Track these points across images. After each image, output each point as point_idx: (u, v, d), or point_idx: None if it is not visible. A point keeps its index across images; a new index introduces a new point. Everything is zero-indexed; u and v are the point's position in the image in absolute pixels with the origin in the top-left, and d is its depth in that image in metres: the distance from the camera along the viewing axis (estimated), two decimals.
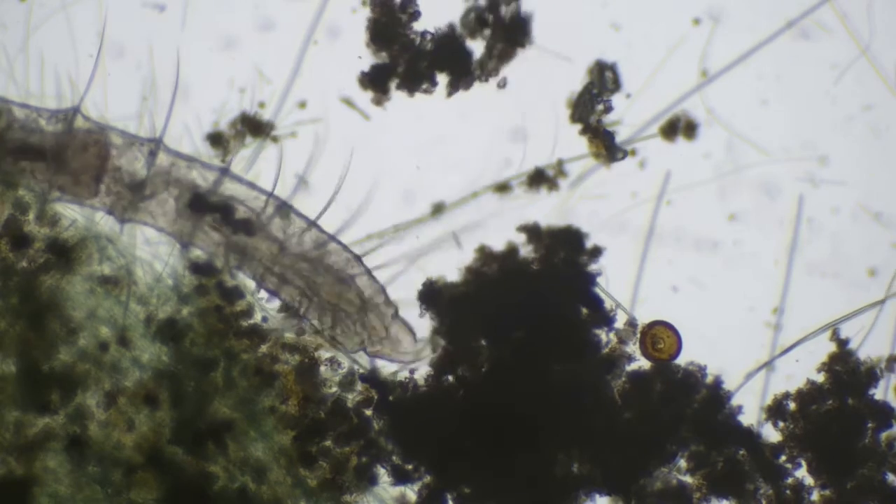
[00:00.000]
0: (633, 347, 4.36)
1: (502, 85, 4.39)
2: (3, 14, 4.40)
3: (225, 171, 4.33)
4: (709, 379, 4.35)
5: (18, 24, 4.38)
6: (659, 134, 4.41)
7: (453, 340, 4.34)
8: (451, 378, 4.34)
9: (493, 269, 4.35)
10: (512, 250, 4.36)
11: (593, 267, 4.34)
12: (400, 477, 4.36)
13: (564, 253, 4.34)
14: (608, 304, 4.34)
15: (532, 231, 4.36)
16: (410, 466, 4.35)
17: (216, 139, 4.35)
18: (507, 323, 4.31)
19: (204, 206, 4.29)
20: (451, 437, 4.31)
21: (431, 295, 4.35)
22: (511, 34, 4.37)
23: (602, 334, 4.34)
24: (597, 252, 4.34)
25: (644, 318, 4.37)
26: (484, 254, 4.35)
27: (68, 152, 4.31)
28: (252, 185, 4.35)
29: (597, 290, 4.33)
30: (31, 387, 4.27)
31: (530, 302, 4.32)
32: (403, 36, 4.38)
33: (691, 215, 4.43)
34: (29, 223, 4.31)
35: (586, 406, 4.31)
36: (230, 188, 4.33)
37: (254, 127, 4.35)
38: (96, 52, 4.32)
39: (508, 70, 4.40)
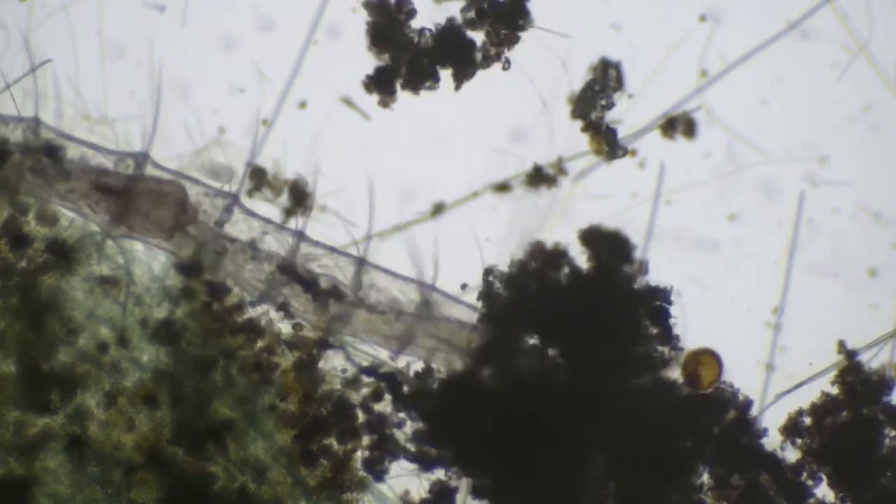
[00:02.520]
0: (675, 372, 4.33)
1: (506, 67, 4.37)
2: (3, 14, 4.40)
3: (301, 236, 4.34)
4: (741, 398, 4.32)
5: (18, 24, 4.38)
6: (657, 129, 4.41)
7: (501, 332, 4.30)
8: (487, 370, 4.30)
9: (540, 265, 4.30)
10: (561, 252, 4.32)
11: (667, 285, 4.31)
12: (424, 463, 4.33)
13: (612, 260, 4.30)
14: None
15: (589, 237, 4.32)
16: (434, 451, 4.32)
17: (257, 174, 4.36)
18: (568, 326, 4.26)
19: (293, 275, 4.31)
20: (479, 429, 4.27)
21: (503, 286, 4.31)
22: (510, 16, 4.36)
23: (665, 352, 4.31)
24: (644, 267, 4.32)
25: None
26: (536, 249, 4.31)
27: (143, 197, 4.32)
28: (331, 249, 4.36)
29: (669, 308, 4.30)
30: (31, 387, 4.27)
31: (597, 309, 4.28)
32: (403, 36, 4.38)
33: (691, 215, 4.43)
34: (29, 223, 4.31)
35: (622, 422, 4.27)
36: (309, 252, 4.36)
37: (298, 198, 4.36)
38: (156, 93, 4.34)
39: (508, 62, 4.40)
